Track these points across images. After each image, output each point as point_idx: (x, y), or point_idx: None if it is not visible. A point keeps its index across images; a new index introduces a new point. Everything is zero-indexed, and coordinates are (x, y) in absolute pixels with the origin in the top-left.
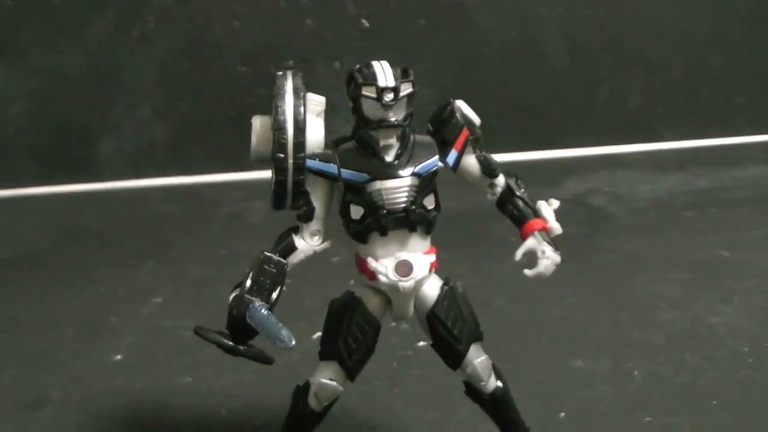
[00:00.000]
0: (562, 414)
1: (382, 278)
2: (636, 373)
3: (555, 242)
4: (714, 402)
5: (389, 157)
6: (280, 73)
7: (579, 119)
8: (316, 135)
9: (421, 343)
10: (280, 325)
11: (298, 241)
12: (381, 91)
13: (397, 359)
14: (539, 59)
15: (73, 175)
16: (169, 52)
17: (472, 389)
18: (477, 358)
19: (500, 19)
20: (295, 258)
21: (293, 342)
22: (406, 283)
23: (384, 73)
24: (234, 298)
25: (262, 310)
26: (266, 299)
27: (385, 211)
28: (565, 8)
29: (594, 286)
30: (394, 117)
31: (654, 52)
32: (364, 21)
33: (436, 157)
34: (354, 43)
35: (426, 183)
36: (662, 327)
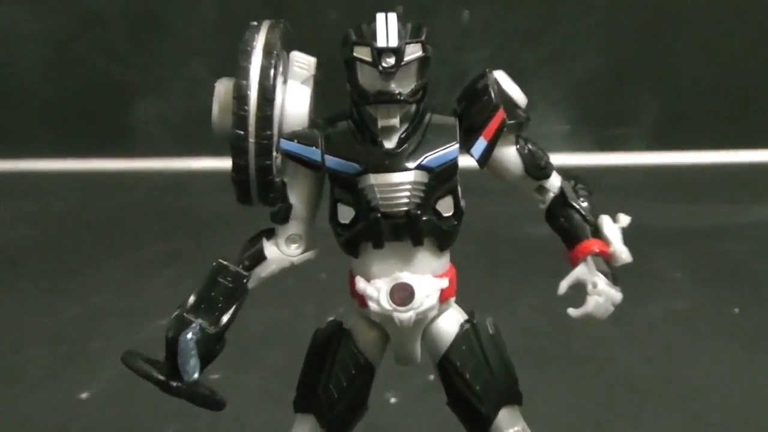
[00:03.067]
0: None
1: (373, 305)
2: None
3: (616, 274)
4: None
5: (390, 143)
6: (253, 23)
7: None
8: (297, 108)
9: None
10: (193, 352)
11: (269, 249)
12: (379, 53)
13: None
14: (763, 20)
15: (98, 147)
16: None
17: None
18: (509, 428)
19: None
20: (264, 270)
21: (195, 375)
22: (404, 315)
23: (386, 29)
24: (173, 317)
25: (188, 334)
26: (215, 321)
27: (380, 214)
28: None
29: None
30: (397, 89)
31: None
32: None
33: (456, 145)
34: None
35: (440, 180)
36: None
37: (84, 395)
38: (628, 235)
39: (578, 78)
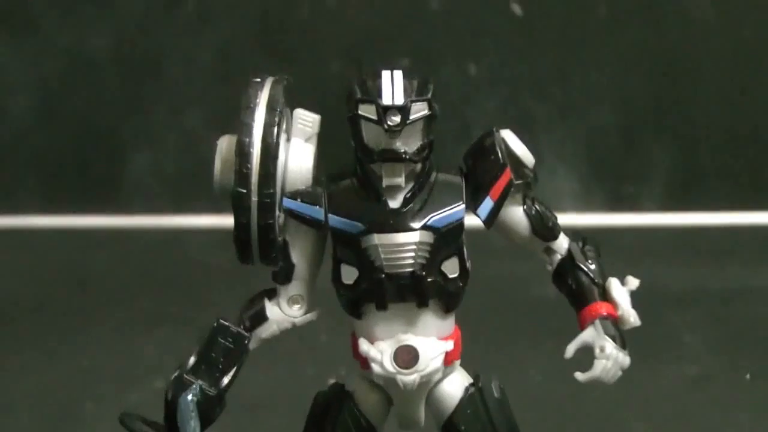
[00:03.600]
0: None
1: (376, 368)
2: None
3: (625, 338)
4: None
5: (395, 202)
6: (257, 79)
7: None
8: (301, 166)
9: None
10: (193, 414)
11: (271, 309)
12: (384, 111)
13: None
14: None
15: (91, 201)
16: (233, 35)
17: None
18: None
19: (725, 9)
20: (264, 331)
21: None
22: (408, 378)
23: (392, 85)
24: (173, 378)
25: (188, 395)
26: (215, 382)
27: (384, 275)
28: None
29: None
30: (402, 147)
31: None
32: (515, 5)
33: (462, 205)
34: (500, 37)
35: (446, 240)
36: None
37: None
38: (639, 297)
39: (589, 133)
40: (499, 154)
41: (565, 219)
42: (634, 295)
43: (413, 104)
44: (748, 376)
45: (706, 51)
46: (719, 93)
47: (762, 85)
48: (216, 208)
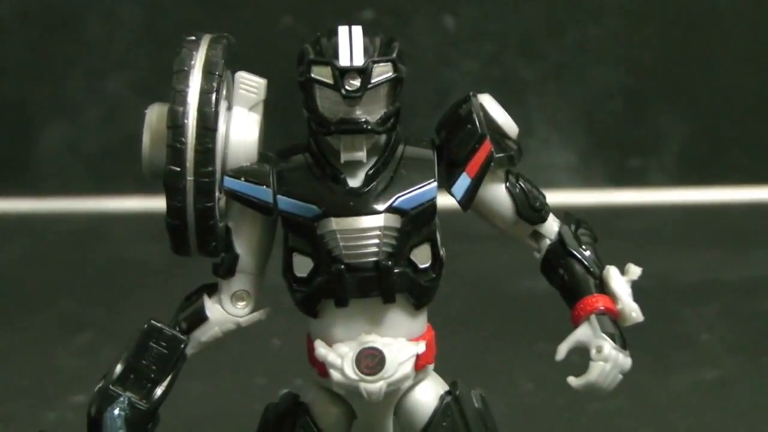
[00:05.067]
0: None
1: (335, 374)
2: None
3: (624, 336)
4: None
5: (355, 181)
6: (191, 37)
7: None
8: (245, 139)
9: None
10: (120, 430)
11: (212, 308)
12: (341, 74)
13: None
14: None
15: None
16: None
17: None
18: None
19: None
20: (204, 333)
21: None
22: (373, 386)
23: (350, 43)
24: (96, 390)
25: (114, 410)
26: (147, 395)
27: (343, 266)
28: None
29: None
30: (363, 117)
31: None
32: None
33: (434, 183)
34: None
35: (415, 225)
36: None
37: None
38: (644, 288)
39: (589, 98)
40: (477, 123)
41: (558, 198)
42: (637, 287)
43: (375, 65)
44: None
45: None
46: (744, 51)
47: None
48: (146, 190)
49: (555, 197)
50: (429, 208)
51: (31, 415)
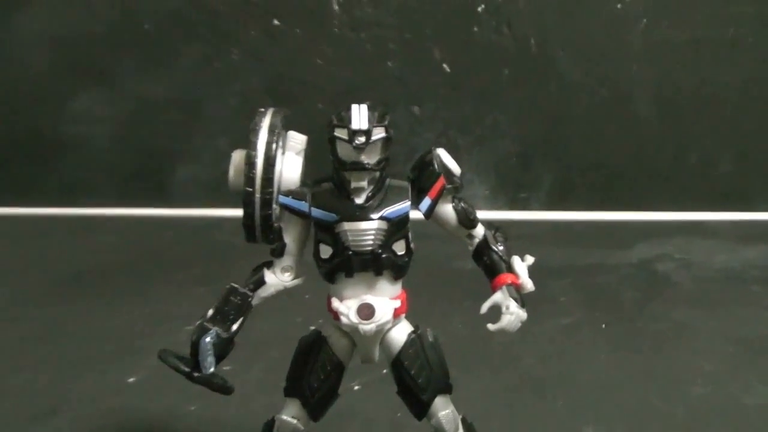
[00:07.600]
0: None
1: (344, 319)
2: None
3: (523, 299)
4: None
5: (360, 200)
6: (261, 109)
7: (665, 182)
8: (292, 172)
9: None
10: (210, 352)
11: (269, 276)
12: (353, 133)
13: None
14: (628, 119)
15: (150, 198)
16: (252, 86)
17: None
18: (442, 411)
19: (590, 74)
20: (264, 292)
21: (212, 369)
22: (367, 327)
23: (359, 116)
24: (196, 325)
25: (207, 338)
26: (227, 329)
27: (351, 252)
28: (659, 69)
29: (632, 353)
30: (366, 160)
31: (750, 118)
32: (445, 66)
33: (408, 202)
34: (435, 89)
35: (396, 228)
36: (690, 402)
37: (131, 380)
38: (532, 270)
39: (497, 156)
40: (436, 166)
41: (480, 215)
42: (530, 269)
43: (374, 128)
44: (603, 325)
45: (577, 103)
46: (584, 133)
47: (611, 131)
48: (234, 204)
49: (479, 214)
50: (405, 217)
51: (164, 336)
